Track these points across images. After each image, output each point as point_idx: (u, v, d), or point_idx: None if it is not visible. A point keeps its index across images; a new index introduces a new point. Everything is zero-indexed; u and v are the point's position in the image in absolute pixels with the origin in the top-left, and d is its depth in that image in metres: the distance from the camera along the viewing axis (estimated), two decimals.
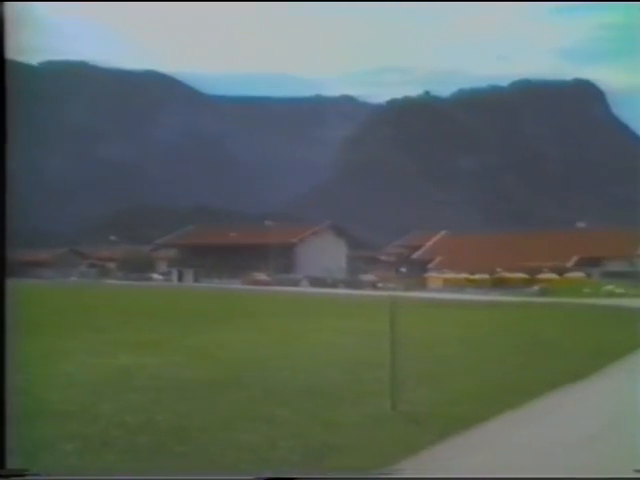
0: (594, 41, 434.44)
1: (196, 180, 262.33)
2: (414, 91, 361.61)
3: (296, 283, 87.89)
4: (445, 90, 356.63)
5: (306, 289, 79.04)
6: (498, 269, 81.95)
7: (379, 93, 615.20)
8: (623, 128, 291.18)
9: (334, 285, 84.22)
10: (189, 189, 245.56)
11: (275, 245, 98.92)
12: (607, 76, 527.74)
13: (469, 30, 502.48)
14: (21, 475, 5.88)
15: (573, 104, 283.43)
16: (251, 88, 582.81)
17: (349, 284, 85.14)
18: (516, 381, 14.28)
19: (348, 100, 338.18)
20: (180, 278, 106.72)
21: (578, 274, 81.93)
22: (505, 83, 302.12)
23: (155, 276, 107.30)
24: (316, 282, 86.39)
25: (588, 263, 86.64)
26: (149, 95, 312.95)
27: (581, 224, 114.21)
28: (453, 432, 9.70)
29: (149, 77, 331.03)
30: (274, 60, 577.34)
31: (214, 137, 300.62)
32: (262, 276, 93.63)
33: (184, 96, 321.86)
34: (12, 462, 5.89)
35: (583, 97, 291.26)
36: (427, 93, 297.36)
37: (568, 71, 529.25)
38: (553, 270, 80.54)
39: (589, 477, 7.89)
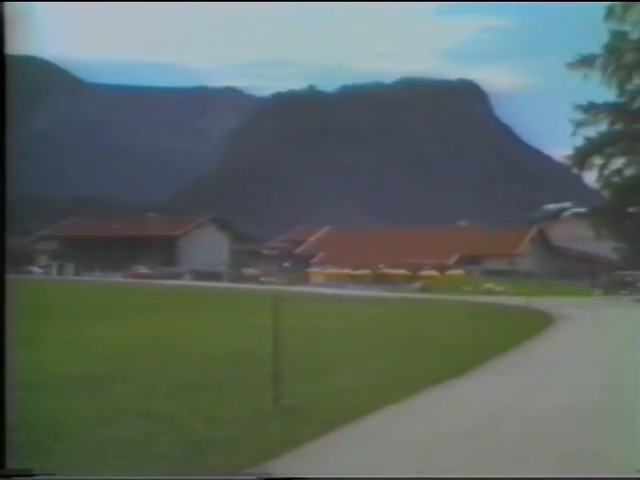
0: (476, 43, 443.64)
1: (76, 170, 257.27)
2: (299, 85, 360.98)
3: (179, 277, 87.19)
4: (330, 85, 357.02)
5: (189, 283, 78.49)
6: (380, 265, 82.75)
7: (264, 86, 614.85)
8: (505, 129, 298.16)
9: (217, 279, 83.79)
10: (69, 179, 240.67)
11: (157, 238, 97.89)
12: (489, 77, 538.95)
13: (354, 26, 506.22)
14: (21, 475, 5.88)
15: (456, 104, 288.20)
16: (132, 76, 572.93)
17: (232, 278, 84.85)
18: (397, 376, 14.39)
19: (232, 92, 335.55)
20: (60, 271, 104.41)
21: (459, 272, 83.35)
22: (389, 80, 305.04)
23: (35, 269, 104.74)
24: (199, 276, 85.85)
25: (469, 261, 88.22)
26: (26, 81, 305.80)
27: (462, 222, 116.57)
28: (335, 426, 9.70)
29: (27, 62, 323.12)
30: (157, 48, 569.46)
31: (94, 126, 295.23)
32: (144, 269, 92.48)
33: (63, 82, 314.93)
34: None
35: (466, 97, 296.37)
36: (312, 87, 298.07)
37: (451, 71, 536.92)
38: (434, 267, 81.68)
39: (589, 477, 8.00)
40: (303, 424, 9.77)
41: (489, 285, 67.70)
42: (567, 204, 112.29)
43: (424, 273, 78.98)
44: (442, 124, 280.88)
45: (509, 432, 9.85)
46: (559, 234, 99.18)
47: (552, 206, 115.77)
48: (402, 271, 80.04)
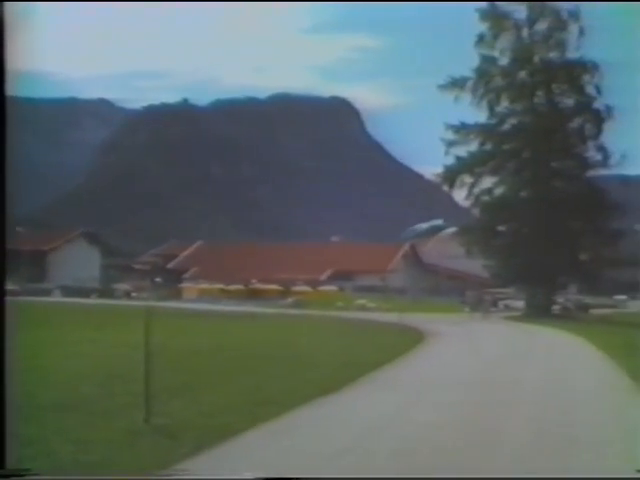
0: (350, 61, 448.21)
1: None
2: (172, 97, 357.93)
3: (48, 293, 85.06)
4: (203, 98, 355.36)
5: (59, 299, 76.65)
6: (253, 280, 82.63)
7: (135, 98, 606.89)
8: (378, 146, 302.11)
9: (87, 294, 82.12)
10: None
11: (26, 253, 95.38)
12: (362, 95, 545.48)
13: (228, 39, 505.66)
14: (21, 475, 5.86)
15: (330, 121, 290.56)
16: None
17: (103, 293, 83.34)
18: (271, 393, 14.29)
19: (104, 103, 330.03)
20: None
21: (331, 287, 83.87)
22: (263, 95, 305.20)
23: None
24: (69, 292, 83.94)
25: (341, 277, 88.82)
26: None
27: (335, 238, 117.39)
28: (208, 444, 9.55)
29: None
30: (24, 57, 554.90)
31: None
32: (11, 286, 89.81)
33: None
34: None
35: (340, 115, 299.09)
36: (185, 100, 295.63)
37: (325, 88, 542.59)
38: (307, 283, 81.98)
39: (589, 477, 8.01)
40: (176, 444, 9.58)
41: (362, 301, 68.28)
42: (438, 221, 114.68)
43: (297, 289, 79.15)
44: (316, 140, 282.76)
45: (383, 449, 9.87)
46: (431, 251, 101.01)
47: (424, 224, 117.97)
48: (275, 286, 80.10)
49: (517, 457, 9.54)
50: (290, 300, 71.24)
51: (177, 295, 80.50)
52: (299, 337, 30.47)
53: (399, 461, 9.12)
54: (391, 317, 41.67)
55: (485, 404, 14.12)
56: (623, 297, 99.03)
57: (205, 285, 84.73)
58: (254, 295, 77.17)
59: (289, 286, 79.29)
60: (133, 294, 79.09)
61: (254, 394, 14.04)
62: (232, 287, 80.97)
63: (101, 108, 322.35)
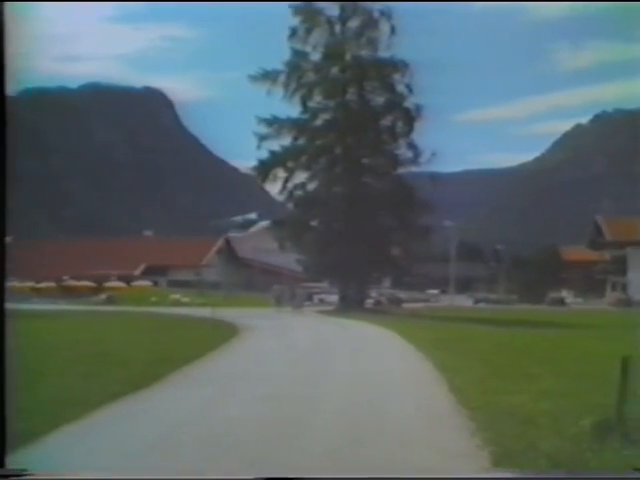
0: (161, 51, 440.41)
1: None
2: None
3: None
4: (10, 88, 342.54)
5: None
6: (65, 277, 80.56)
7: None
8: (193, 139, 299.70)
9: None
10: None
11: None
12: (176, 86, 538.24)
13: (35, 27, 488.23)
14: (21, 475, 6.00)
15: (143, 112, 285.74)
16: None
17: None
18: (78, 392, 13.97)
19: None
20: None
21: (145, 283, 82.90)
22: (74, 85, 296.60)
23: None
24: None
25: (155, 272, 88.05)
26: None
27: (148, 232, 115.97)
28: (14, 449, 9.22)
29: None
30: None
31: None
32: None
33: None
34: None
35: (153, 105, 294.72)
36: None
37: (136, 78, 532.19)
38: (120, 278, 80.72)
39: (589, 477, 7.96)
40: None
41: (175, 296, 67.84)
42: (253, 215, 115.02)
43: (110, 284, 77.80)
44: (128, 131, 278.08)
45: (190, 444, 9.85)
46: (245, 245, 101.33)
47: (238, 217, 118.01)
48: (87, 283, 78.37)
49: (325, 450, 9.66)
50: (103, 296, 69.87)
51: None
52: (110, 334, 29.92)
53: (206, 456, 9.15)
54: (205, 312, 41.57)
55: (295, 398, 14.24)
56: (435, 291, 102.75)
57: (15, 283, 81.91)
58: (66, 292, 75.16)
59: (102, 282, 77.80)
60: None
61: (60, 395, 13.67)
62: (43, 285, 78.57)
63: None
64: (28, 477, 5.88)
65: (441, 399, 14.19)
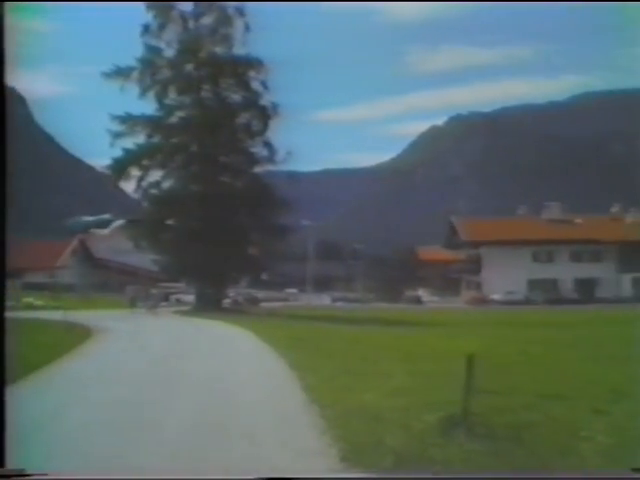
0: (10, 45, 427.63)
1: None
2: None
3: None
4: None
5: None
6: None
7: None
8: (45, 136, 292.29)
9: None
10: None
11: None
12: (27, 82, 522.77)
13: None
14: (21, 475, 6.04)
15: None
16: None
17: None
18: None
19: None
20: None
21: None
22: None
23: None
24: None
25: (8, 274, 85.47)
26: None
27: None
28: None
29: None
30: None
31: None
32: None
33: None
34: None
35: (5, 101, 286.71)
36: None
37: None
38: None
39: (589, 477, 7.96)
40: None
41: (28, 299, 65.93)
42: (107, 215, 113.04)
43: None
44: None
45: (37, 449, 9.57)
46: (101, 246, 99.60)
47: (90, 217, 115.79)
48: None
49: (175, 451, 9.55)
50: None
51: None
52: None
53: (53, 462, 8.88)
54: (58, 315, 40.57)
55: (147, 400, 14.03)
56: (294, 290, 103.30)
57: None
58: None
59: None
60: None
61: None
62: None
63: None
64: (28, 477, 5.65)
65: (293, 398, 14.20)
